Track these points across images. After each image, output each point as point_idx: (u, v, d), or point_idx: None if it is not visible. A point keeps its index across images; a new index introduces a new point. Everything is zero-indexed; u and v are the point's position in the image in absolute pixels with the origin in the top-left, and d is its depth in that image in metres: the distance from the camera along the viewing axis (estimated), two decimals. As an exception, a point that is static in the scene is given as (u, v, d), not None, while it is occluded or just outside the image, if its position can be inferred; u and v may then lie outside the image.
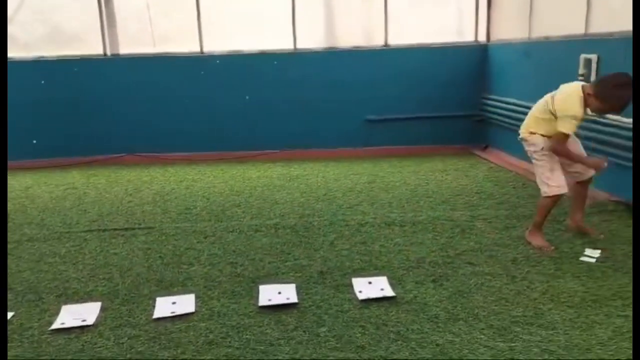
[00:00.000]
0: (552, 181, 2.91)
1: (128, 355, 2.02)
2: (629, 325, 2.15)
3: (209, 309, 2.38)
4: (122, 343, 2.11)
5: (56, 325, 2.26)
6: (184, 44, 5.79)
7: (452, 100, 5.84)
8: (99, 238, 3.36)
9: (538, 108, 2.97)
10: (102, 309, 2.39)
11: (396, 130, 5.85)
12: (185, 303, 2.43)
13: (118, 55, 5.80)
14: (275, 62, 5.81)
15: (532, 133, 2.96)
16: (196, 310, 2.37)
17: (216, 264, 2.90)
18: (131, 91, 5.74)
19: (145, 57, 5.78)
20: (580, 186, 3.12)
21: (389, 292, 2.48)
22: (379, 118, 5.84)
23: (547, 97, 2.94)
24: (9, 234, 3.49)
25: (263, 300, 2.43)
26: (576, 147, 3.00)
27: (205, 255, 3.04)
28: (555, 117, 2.83)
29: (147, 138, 5.82)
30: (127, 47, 5.81)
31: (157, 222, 3.66)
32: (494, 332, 2.13)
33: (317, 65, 5.82)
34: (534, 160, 3.01)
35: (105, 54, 5.77)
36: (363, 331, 2.16)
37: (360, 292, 2.49)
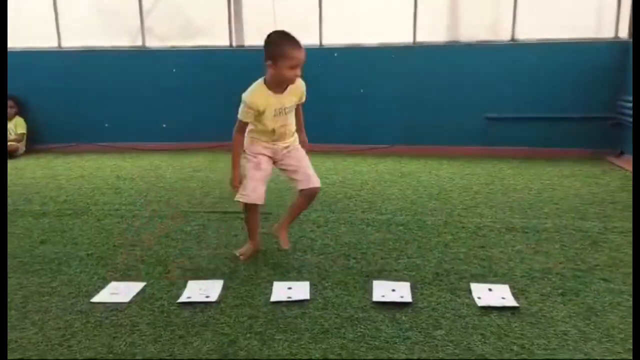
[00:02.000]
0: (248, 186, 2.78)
1: (248, 335, 2.09)
2: None
3: (323, 298, 2.40)
4: (242, 322, 2.19)
5: (183, 298, 2.40)
6: (304, 37, 5.90)
7: (584, 100, 5.40)
8: (221, 220, 3.54)
9: None
10: (224, 287, 2.51)
11: (519, 130, 5.54)
12: (300, 290, 2.47)
13: (243, 46, 6.06)
14: (393, 56, 5.74)
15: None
16: (311, 298, 2.40)
17: (329, 255, 2.92)
18: (251, 80, 5.95)
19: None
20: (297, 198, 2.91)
21: (512, 301, 2.34)
22: (500, 116, 5.56)
23: None
24: (141, 210, 3.79)
25: (377, 296, 2.40)
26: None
27: (319, 244, 3.07)
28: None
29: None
30: (252, 39, 6.05)
31: (272, 208, 3.76)
32: (631, 357, 1.92)
33: (436, 59, 5.66)
34: None
35: (231, 45, 6.05)
36: (483, 340, 2.05)
37: (479, 298, 2.38)
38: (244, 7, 6.08)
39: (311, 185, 2.84)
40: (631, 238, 3.10)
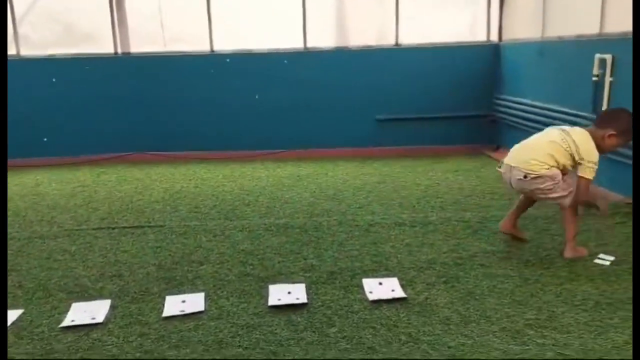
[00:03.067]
0: (565, 190, 2.85)
1: (137, 354, 2.01)
2: (645, 329, 2.10)
3: (219, 308, 2.37)
4: (131, 341, 2.10)
5: (66, 322, 2.25)
6: (195, 44, 5.80)
7: (463, 100, 5.80)
8: (109, 236, 3.36)
9: (555, 146, 2.84)
10: (112, 307, 2.39)
11: (407, 130, 5.82)
12: (194, 302, 2.41)
13: (129, 54, 5.81)
14: (286, 61, 5.80)
15: (550, 166, 2.83)
16: (205, 309, 2.35)
17: (225, 263, 2.89)
18: (141, 89, 5.75)
19: (155, 56, 5.80)
20: (530, 198, 3.04)
21: (400, 293, 2.45)
22: (389, 117, 5.82)
23: (562, 137, 2.84)
24: (19, 231, 3.51)
25: (273, 300, 2.42)
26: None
27: (215, 254, 3.03)
28: (575, 162, 2.81)
29: (156, 136, 5.83)
30: (138, 46, 5.83)
31: (166, 221, 3.65)
32: (506, 335, 2.10)
33: (327, 64, 5.80)
34: (543, 195, 2.88)
35: (116, 53, 5.78)
36: (374, 332, 2.13)
37: (370, 292, 2.47)
38: (128, 13, 5.84)
39: None
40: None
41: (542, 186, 2.83)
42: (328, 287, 2.56)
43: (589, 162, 2.76)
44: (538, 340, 2.06)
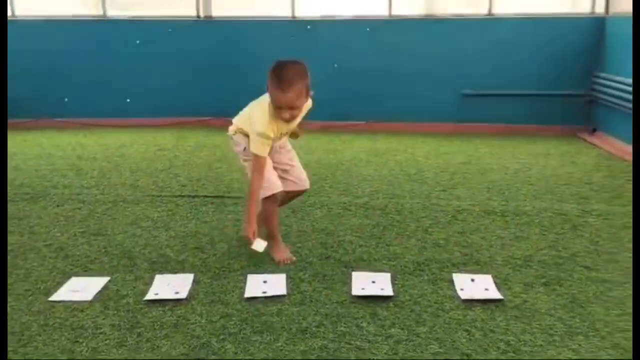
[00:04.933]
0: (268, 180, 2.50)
1: (221, 337, 1.96)
2: None
3: (301, 293, 2.28)
4: (215, 322, 2.06)
5: (150, 295, 2.24)
6: (277, 9, 5.67)
7: (559, 77, 5.35)
8: (190, 204, 3.36)
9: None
10: (195, 282, 2.36)
11: (495, 107, 5.46)
12: (276, 283, 2.34)
13: (211, 17, 5.76)
14: (368, 29, 5.55)
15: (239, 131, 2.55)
16: (288, 293, 2.27)
17: (305, 243, 2.80)
18: (221, 54, 5.71)
19: (237, 20, 5.72)
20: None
21: (495, 293, 2.26)
22: (476, 93, 5.47)
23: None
24: (104, 194, 3.58)
25: (356, 289, 2.30)
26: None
27: (295, 232, 2.94)
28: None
29: (234, 102, 5.74)
30: (221, 10, 5.76)
31: (245, 192, 3.60)
32: (620, 354, 1.88)
33: (412, 33, 5.50)
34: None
35: (198, 16, 5.75)
36: (468, 337, 1.97)
37: (462, 290, 2.30)
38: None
39: (302, 188, 2.74)
40: (610, 222, 3.07)
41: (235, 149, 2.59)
42: (415, 279, 2.41)
43: (251, 132, 2.43)
44: (658, 364, 1.82)
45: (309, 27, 5.61)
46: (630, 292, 2.29)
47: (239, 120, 2.66)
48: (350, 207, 3.33)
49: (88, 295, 2.24)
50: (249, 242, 2.54)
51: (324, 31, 5.61)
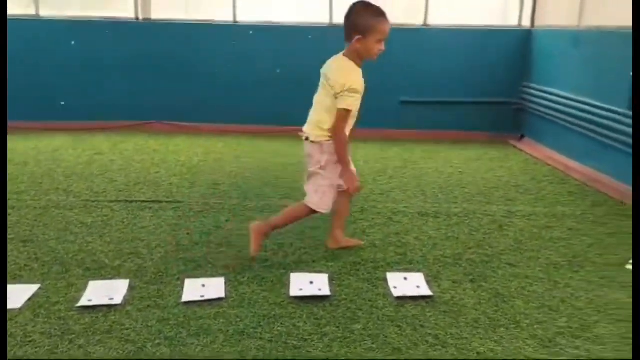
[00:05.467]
0: (327, 197, 2.57)
1: (157, 341, 1.95)
2: (684, 347, 2.02)
3: (240, 295, 2.31)
4: (151, 326, 2.05)
5: (83, 302, 2.20)
6: (218, 13, 5.65)
7: (490, 85, 5.62)
8: (126, 209, 3.30)
9: (321, 98, 2.55)
10: (130, 288, 2.33)
11: (430, 113, 5.67)
12: (215, 287, 2.35)
13: (150, 19, 5.67)
14: (310, 37, 5.63)
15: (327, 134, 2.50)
16: (226, 296, 2.29)
17: (246, 247, 2.80)
18: (160, 57, 5.63)
19: (176, 23, 5.66)
20: (342, 199, 2.71)
21: (426, 290, 2.37)
22: (413, 100, 5.66)
23: (321, 82, 2.58)
24: (36, 199, 3.45)
25: (294, 290, 2.35)
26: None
27: (235, 235, 2.95)
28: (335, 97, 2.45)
29: (174, 106, 5.73)
30: (160, 12, 5.68)
31: (184, 196, 3.58)
32: (538, 344, 2.02)
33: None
34: (315, 168, 2.57)
35: (137, 18, 5.64)
36: (400, 332, 2.06)
37: (395, 288, 2.39)
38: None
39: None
40: (533, 222, 3.27)
41: (319, 157, 2.53)
42: (351, 278, 2.49)
43: (340, 92, 2.42)
44: (571, 351, 1.98)
45: (251, 32, 5.63)
46: (549, 287, 2.47)
47: (318, 115, 2.57)
48: (291, 210, 3.37)
49: (17, 303, 2.17)
50: (358, 190, 2.58)
51: (266, 37, 5.65)
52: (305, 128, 2.64)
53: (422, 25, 5.62)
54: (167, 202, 3.46)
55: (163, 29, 5.63)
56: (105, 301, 2.20)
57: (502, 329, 2.11)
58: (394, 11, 5.65)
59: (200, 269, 2.54)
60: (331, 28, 5.62)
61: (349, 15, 2.48)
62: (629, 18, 4.10)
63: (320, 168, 2.57)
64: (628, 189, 3.77)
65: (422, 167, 4.52)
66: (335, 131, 2.49)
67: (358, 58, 2.52)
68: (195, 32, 5.63)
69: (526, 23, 5.65)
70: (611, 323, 2.17)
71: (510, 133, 5.65)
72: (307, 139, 2.60)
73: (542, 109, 5.13)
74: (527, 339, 2.05)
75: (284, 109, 5.72)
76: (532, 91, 5.37)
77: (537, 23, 5.58)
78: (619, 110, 3.93)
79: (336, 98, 2.46)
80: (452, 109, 5.66)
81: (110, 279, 2.41)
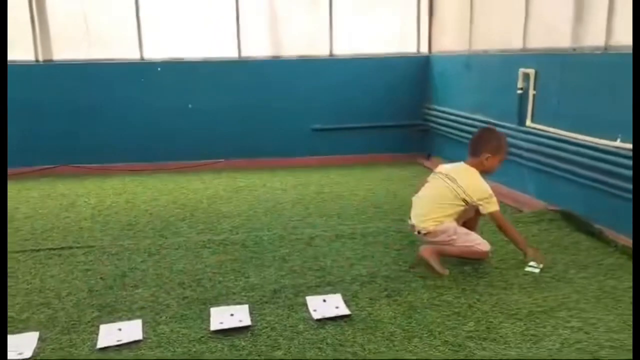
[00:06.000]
0: (479, 239, 2.94)
1: (71, 392, 1.88)
2: (575, 336, 2.23)
3: (158, 335, 2.27)
4: (64, 378, 1.97)
5: (-12, 361, 2.07)
6: (124, 51, 5.57)
7: (396, 109, 5.94)
8: (33, 259, 3.14)
9: (441, 197, 2.94)
10: (40, 340, 2.23)
11: (342, 139, 5.90)
12: (131, 330, 2.30)
13: (52, 61, 5.49)
14: (219, 71, 5.69)
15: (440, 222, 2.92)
16: (144, 338, 2.25)
17: (163, 285, 2.78)
18: (66, 98, 5.45)
19: (80, 63, 5.51)
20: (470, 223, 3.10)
21: (344, 310, 2.46)
22: (324, 127, 5.85)
23: (446, 185, 2.93)
24: None
25: (215, 324, 2.34)
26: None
27: (151, 275, 2.90)
28: (466, 203, 2.89)
29: (82, 148, 5.55)
30: (62, 52, 5.51)
31: (96, 240, 3.47)
32: (449, 349, 2.15)
33: (261, 73, 5.76)
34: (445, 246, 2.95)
35: (37, 60, 5.44)
36: (320, 354, 2.12)
37: (315, 311, 2.46)
38: (49, 16, 5.50)
39: None
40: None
41: (438, 239, 2.93)
42: (272, 306, 2.53)
43: (482, 199, 2.86)
44: (479, 352, 2.13)
45: (159, 69, 5.60)
46: (458, 294, 2.64)
47: (430, 210, 2.97)
48: (210, 244, 3.36)
49: None
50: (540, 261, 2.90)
51: (175, 73, 5.64)
52: (415, 221, 3.05)
53: (329, 56, 5.86)
54: (77, 247, 3.33)
55: (66, 69, 5.47)
56: (14, 356, 2.09)
57: (417, 339, 2.22)
58: (300, 43, 5.93)
59: (116, 313, 2.47)
60: (240, 62, 5.72)
61: (482, 135, 3.05)
62: (508, 41, 4.54)
63: (450, 241, 2.93)
64: (517, 197, 4.13)
65: (337, 191, 4.67)
66: (506, 225, 2.99)
67: (482, 171, 2.96)
68: (101, 71, 5.51)
69: (424, 49, 6.05)
70: (513, 323, 2.35)
71: (418, 152, 5.97)
72: (419, 232, 3.01)
73: (443, 128, 5.48)
74: (439, 345, 2.18)
75: (199, 144, 5.73)
76: (434, 112, 5.73)
77: (434, 49, 6.00)
78: (511, 125, 4.28)
79: (479, 204, 2.89)
80: (362, 134, 5.91)
81: (20, 332, 2.29)
